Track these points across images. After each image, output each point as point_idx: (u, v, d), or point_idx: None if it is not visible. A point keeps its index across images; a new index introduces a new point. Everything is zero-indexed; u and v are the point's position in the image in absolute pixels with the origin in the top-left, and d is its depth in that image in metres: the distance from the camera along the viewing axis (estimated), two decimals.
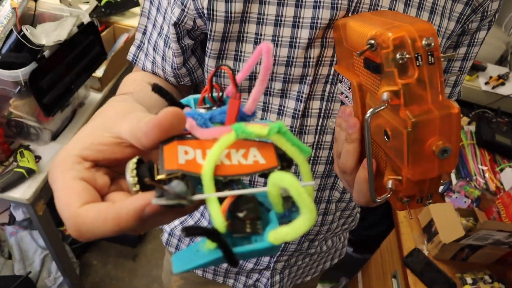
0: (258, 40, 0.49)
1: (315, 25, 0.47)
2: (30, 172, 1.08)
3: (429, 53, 0.34)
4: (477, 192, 1.25)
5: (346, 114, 0.45)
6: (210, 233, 0.22)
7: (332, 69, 0.51)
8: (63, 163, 0.26)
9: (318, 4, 0.46)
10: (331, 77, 0.52)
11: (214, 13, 0.46)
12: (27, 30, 0.98)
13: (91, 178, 0.26)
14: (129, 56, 0.60)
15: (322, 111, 0.54)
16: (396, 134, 0.35)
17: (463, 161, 1.40)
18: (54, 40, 1.05)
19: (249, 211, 0.24)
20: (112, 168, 0.28)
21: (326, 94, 0.53)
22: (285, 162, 0.27)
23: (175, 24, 0.49)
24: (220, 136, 0.25)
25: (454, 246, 1.08)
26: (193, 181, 0.24)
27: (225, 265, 0.75)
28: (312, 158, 0.59)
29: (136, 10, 1.76)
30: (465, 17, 0.52)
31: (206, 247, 0.24)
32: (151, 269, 1.85)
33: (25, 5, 1.07)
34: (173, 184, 0.22)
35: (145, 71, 0.59)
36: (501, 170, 1.38)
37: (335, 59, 0.50)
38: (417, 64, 0.34)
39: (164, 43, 0.53)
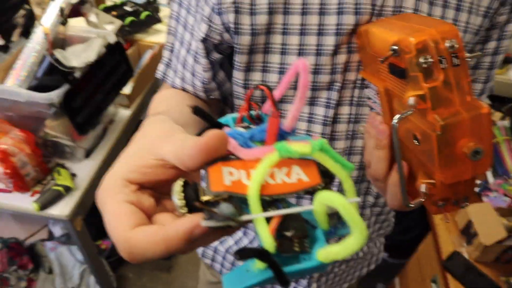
0: (284, 51, 0.49)
1: (340, 31, 0.47)
2: (68, 189, 1.13)
3: (453, 55, 0.33)
4: None
5: (375, 121, 0.45)
6: (261, 254, 0.23)
7: (360, 71, 0.51)
8: (110, 187, 0.27)
9: (341, 10, 0.46)
10: (359, 82, 0.51)
11: (240, 26, 0.47)
12: (59, 54, 1.03)
13: (138, 200, 0.27)
14: (158, 74, 0.62)
15: (352, 117, 0.54)
16: (425, 137, 0.35)
17: (498, 158, 1.35)
18: (84, 62, 1.09)
19: (297, 230, 0.25)
20: (156, 190, 0.29)
21: (355, 99, 0.53)
22: (328, 178, 0.27)
23: (203, 40, 0.50)
24: (263, 156, 0.25)
25: (496, 247, 1.04)
26: (239, 202, 0.24)
27: None
28: None
29: (159, 26, 1.81)
30: (493, 11, 0.51)
31: (256, 267, 0.24)
32: (186, 281, 1.87)
33: (55, 30, 1.12)
34: (222, 207, 0.23)
35: (174, 87, 0.60)
36: None
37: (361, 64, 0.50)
38: (442, 67, 0.33)
39: (193, 59, 0.54)
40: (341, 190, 0.27)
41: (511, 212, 1.06)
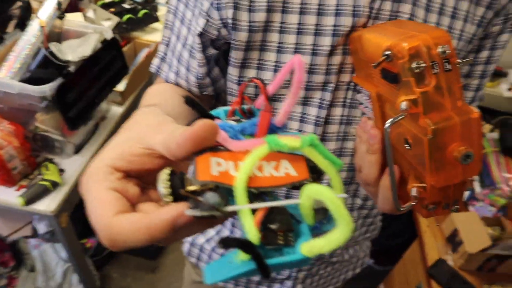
0: (281, 49, 0.49)
1: (336, 32, 0.47)
2: (55, 185, 1.11)
3: (445, 60, 0.34)
4: (502, 200, 1.21)
5: (366, 126, 0.46)
6: (245, 245, 0.22)
7: (353, 75, 0.51)
8: (96, 174, 0.27)
9: (339, 11, 0.46)
10: (352, 84, 0.52)
11: (238, 22, 0.47)
12: (54, 47, 1.02)
13: (123, 188, 0.26)
14: (152, 68, 0.62)
15: (344, 118, 0.54)
16: (417, 142, 0.36)
17: (486, 169, 1.37)
18: (79, 56, 1.09)
19: (282, 223, 0.25)
20: (141, 179, 0.29)
21: (348, 101, 0.53)
22: (316, 174, 0.27)
23: (200, 34, 0.50)
24: (253, 148, 0.25)
25: (480, 256, 1.05)
26: (225, 193, 0.24)
27: None
28: None
29: (156, 25, 1.81)
30: (487, 21, 0.52)
31: (239, 259, 0.24)
32: (171, 282, 1.86)
33: (52, 24, 1.12)
34: (208, 196, 0.23)
35: (168, 82, 0.60)
36: None
37: None
38: (434, 72, 0.34)
39: (189, 54, 0.54)
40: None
41: (496, 222, 1.07)
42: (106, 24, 1.53)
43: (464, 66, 0.58)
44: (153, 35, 1.75)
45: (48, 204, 1.09)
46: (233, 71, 0.52)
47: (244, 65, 0.52)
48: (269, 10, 0.47)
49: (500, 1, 0.50)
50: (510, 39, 0.57)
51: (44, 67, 1.05)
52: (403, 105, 0.35)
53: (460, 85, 0.35)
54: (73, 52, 1.10)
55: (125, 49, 1.55)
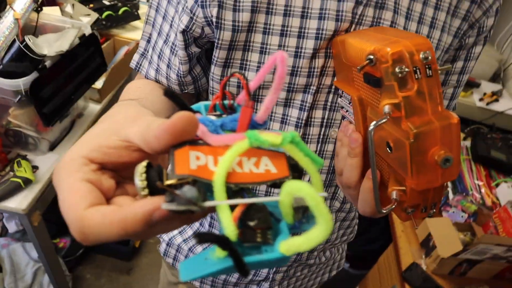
0: (264, 50, 0.50)
1: (320, 36, 0.48)
2: (27, 182, 1.07)
3: (427, 66, 0.35)
4: (474, 207, 1.25)
5: (347, 130, 0.46)
6: (222, 241, 0.22)
7: (335, 79, 0.52)
8: (69, 165, 0.25)
9: (323, 15, 0.47)
10: (333, 87, 0.53)
11: (222, 21, 0.47)
12: (30, 40, 0.99)
13: (97, 180, 0.25)
14: (132, 64, 0.61)
15: (325, 121, 0.55)
16: (398, 145, 0.36)
17: (459, 176, 1.41)
18: (56, 51, 1.05)
19: (260, 220, 0.24)
20: (118, 172, 0.28)
21: (329, 103, 0.54)
22: (296, 173, 0.27)
23: (183, 32, 0.50)
24: (233, 143, 0.25)
25: (452, 260, 1.08)
26: (204, 188, 0.23)
27: (222, 276, 0.75)
28: None
29: (137, 23, 1.78)
30: (462, 32, 0.53)
31: (216, 256, 0.23)
32: (146, 284, 1.82)
33: (27, 16, 1.08)
34: (185, 189, 0.22)
35: (148, 78, 0.59)
36: (497, 185, 1.39)
37: None
38: (416, 77, 0.35)
39: (170, 50, 0.54)
40: None
41: (468, 227, 1.10)
42: (85, 20, 1.50)
43: (440, 75, 0.60)
44: (133, 33, 1.73)
45: (20, 202, 1.05)
46: (216, 70, 0.52)
47: (227, 64, 0.51)
48: (254, 10, 0.47)
49: (474, 14, 0.52)
50: (482, 51, 0.59)
51: (18, 61, 1.02)
52: (386, 108, 0.35)
53: (440, 91, 0.36)
54: (49, 46, 1.07)
55: (104, 46, 1.52)
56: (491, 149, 1.46)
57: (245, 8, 0.47)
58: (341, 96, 0.51)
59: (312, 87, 0.52)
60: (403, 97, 0.35)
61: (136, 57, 0.60)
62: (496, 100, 1.79)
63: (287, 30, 0.48)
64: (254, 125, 0.28)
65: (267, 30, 0.48)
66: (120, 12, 1.68)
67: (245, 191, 0.26)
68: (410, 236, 1.23)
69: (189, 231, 0.75)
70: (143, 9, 1.84)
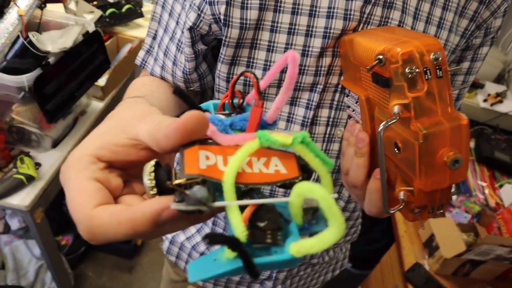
0: (271, 48, 0.49)
1: (327, 34, 0.47)
2: (30, 179, 1.07)
3: (437, 67, 0.35)
4: (477, 208, 1.25)
5: (354, 129, 0.46)
6: (232, 242, 0.21)
7: (341, 78, 0.52)
8: (77, 163, 0.25)
9: (331, 14, 0.47)
10: (340, 86, 0.52)
11: (230, 19, 0.47)
12: (34, 37, 0.99)
13: (105, 179, 0.25)
14: (137, 61, 0.60)
15: (331, 120, 0.55)
16: (407, 146, 0.36)
17: None
18: (60, 47, 1.05)
19: (270, 221, 0.24)
20: (125, 171, 0.28)
21: (335, 103, 0.53)
22: (306, 173, 0.27)
23: (190, 29, 0.50)
24: (243, 142, 0.24)
25: (455, 261, 1.08)
26: (213, 187, 0.23)
27: None
28: None
29: (140, 21, 1.78)
30: (469, 33, 0.53)
31: (225, 257, 0.23)
32: (147, 282, 1.83)
33: (31, 13, 1.08)
34: (194, 189, 0.22)
35: (153, 75, 0.59)
36: (501, 186, 1.39)
37: None
38: (426, 77, 0.34)
39: (176, 48, 0.53)
40: None
41: (471, 228, 1.10)
42: (88, 17, 1.50)
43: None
44: (136, 31, 1.72)
45: (23, 199, 1.05)
46: (222, 68, 0.52)
47: (233, 62, 0.51)
48: (262, 8, 0.47)
49: (482, 15, 0.52)
50: (489, 52, 0.59)
51: (22, 57, 1.01)
52: (396, 108, 0.35)
53: (450, 92, 0.35)
54: (53, 43, 1.07)
55: (107, 43, 1.52)
56: (495, 150, 1.46)
57: (253, 5, 0.46)
58: (347, 96, 0.51)
59: (318, 86, 0.51)
60: (413, 98, 0.34)
61: (141, 53, 0.60)
62: (501, 101, 1.79)
63: (294, 28, 0.48)
64: (263, 125, 0.28)
65: (275, 28, 0.48)
66: (124, 9, 1.68)
67: (254, 192, 0.25)
68: (413, 236, 1.23)
69: (192, 229, 0.74)
70: (146, 7, 1.83)
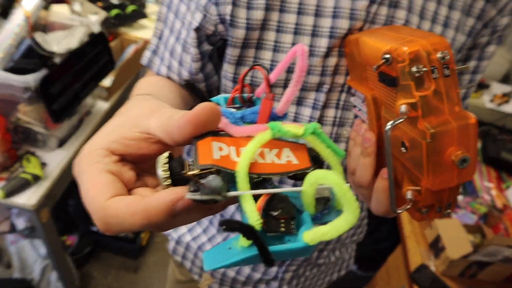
0: (277, 48, 0.49)
1: (333, 34, 0.47)
2: (36, 178, 1.08)
3: (444, 65, 0.34)
4: (484, 209, 1.24)
5: (360, 129, 0.45)
6: (247, 229, 0.22)
7: (348, 78, 0.51)
8: (90, 156, 0.26)
9: (337, 14, 0.47)
10: (346, 86, 0.52)
11: (236, 19, 0.47)
12: (40, 37, 1.00)
13: (118, 171, 0.26)
14: (144, 61, 0.61)
15: (337, 120, 0.54)
16: (414, 145, 0.36)
17: None
18: (65, 48, 1.06)
19: (283, 210, 0.24)
20: (137, 165, 0.28)
21: (341, 102, 0.53)
22: (317, 164, 0.27)
23: (196, 29, 0.50)
24: (255, 134, 0.25)
25: (461, 262, 1.07)
26: (226, 178, 0.24)
27: (232, 274, 0.74)
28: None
29: (144, 22, 1.79)
30: (476, 31, 0.53)
31: (240, 245, 0.24)
32: (152, 282, 1.83)
33: (37, 14, 1.09)
34: (210, 179, 0.22)
35: (159, 75, 0.59)
36: (508, 187, 1.37)
37: None
38: (433, 76, 0.34)
39: (182, 48, 0.54)
40: None
41: (477, 229, 1.09)
42: (93, 18, 1.50)
43: None
44: (141, 32, 1.73)
45: (29, 198, 1.06)
46: (228, 68, 0.52)
47: (239, 62, 0.51)
48: (268, 8, 0.47)
49: (489, 13, 0.51)
50: (495, 50, 0.58)
51: (28, 58, 1.02)
52: (403, 108, 0.35)
53: (458, 91, 0.35)
54: (58, 43, 1.08)
55: (112, 44, 1.53)
56: (501, 150, 1.45)
57: (259, 6, 0.46)
58: (354, 95, 0.51)
59: (325, 86, 0.51)
60: (420, 97, 0.34)
61: (147, 53, 0.60)
62: (507, 102, 1.77)
63: (300, 29, 0.48)
64: (273, 118, 0.29)
65: (281, 28, 0.48)
66: (128, 10, 1.69)
67: (267, 182, 0.26)
68: (418, 237, 1.22)
69: (198, 229, 0.74)
70: (150, 8, 1.84)
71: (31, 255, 1.50)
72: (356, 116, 0.53)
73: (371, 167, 0.44)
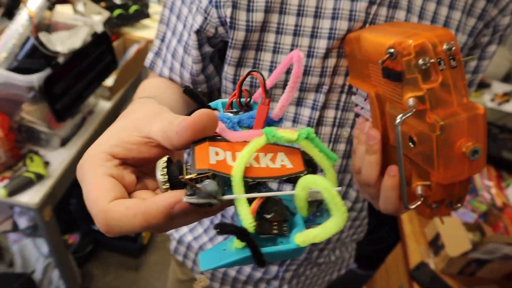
0: (277, 49, 0.50)
1: (332, 35, 0.48)
2: (39, 177, 1.09)
3: (450, 57, 0.34)
4: (483, 207, 1.24)
5: (364, 127, 0.45)
6: (240, 232, 0.23)
7: (347, 79, 0.52)
8: (93, 160, 0.27)
9: (336, 15, 0.47)
10: (346, 86, 0.53)
11: (236, 21, 0.47)
12: (44, 37, 1.00)
13: (119, 175, 0.27)
14: (147, 62, 0.61)
15: (337, 120, 0.55)
16: (423, 139, 0.35)
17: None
18: (69, 48, 1.07)
19: (276, 213, 0.25)
20: (138, 168, 0.29)
21: (341, 103, 0.54)
22: (311, 168, 0.28)
23: (197, 31, 0.50)
24: (251, 139, 0.26)
25: (460, 260, 1.07)
26: (222, 182, 0.25)
27: (233, 274, 0.75)
28: None
29: (147, 22, 1.80)
30: (477, 31, 0.53)
31: (234, 246, 0.24)
32: (153, 281, 1.83)
33: (41, 14, 1.10)
34: (205, 183, 0.23)
35: (161, 76, 0.60)
36: (508, 185, 1.38)
37: None
38: (440, 68, 0.34)
39: (184, 50, 0.54)
40: None
41: (477, 227, 1.10)
42: (96, 18, 1.51)
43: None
44: (143, 32, 1.74)
45: (32, 196, 1.07)
46: (229, 70, 0.52)
47: (240, 63, 0.52)
48: (267, 10, 0.47)
49: (490, 13, 0.52)
50: (496, 50, 0.58)
51: (32, 58, 1.03)
52: (411, 101, 0.34)
53: (465, 82, 0.35)
54: (62, 43, 1.09)
55: (115, 44, 1.53)
56: (502, 149, 1.45)
57: (259, 8, 0.47)
58: (355, 94, 0.50)
59: (324, 86, 0.52)
60: (428, 89, 0.34)
61: (150, 55, 0.61)
62: (507, 101, 1.78)
63: (300, 30, 0.48)
64: (270, 122, 0.29)
65: (280, 30, 0.48)
66: (131, 10, 1.70)
67: (261, 185, 0.27)
68: (418, 235, 1.23)
69: (199, 229, 0.75)
70: (153, 8, 1.85)
71: (33, 253, 1.51)
72: (357, 116, 0.53)
73: (377, 165, 0.43)
